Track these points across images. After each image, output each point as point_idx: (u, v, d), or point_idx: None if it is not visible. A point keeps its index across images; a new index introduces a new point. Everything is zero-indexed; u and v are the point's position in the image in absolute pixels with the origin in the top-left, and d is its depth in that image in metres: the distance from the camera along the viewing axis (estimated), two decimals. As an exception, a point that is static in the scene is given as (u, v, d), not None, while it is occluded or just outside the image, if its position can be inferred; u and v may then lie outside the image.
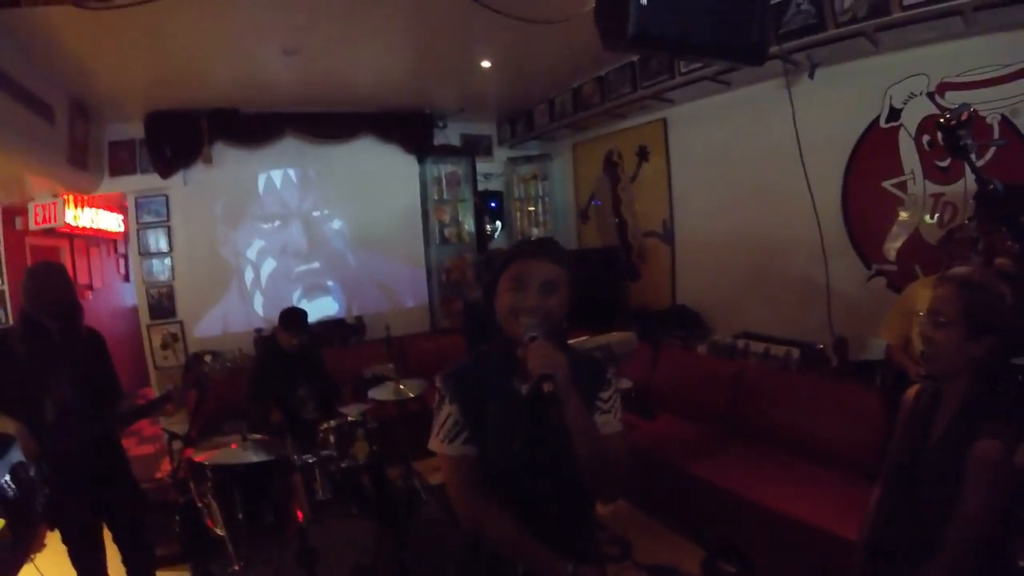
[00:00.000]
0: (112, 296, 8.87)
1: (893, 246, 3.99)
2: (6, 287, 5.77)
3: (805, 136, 4.00)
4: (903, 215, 3.92)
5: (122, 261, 9.48)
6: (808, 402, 3.96)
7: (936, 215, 3.74)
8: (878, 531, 1.89)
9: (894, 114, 3.88)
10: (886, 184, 3.97)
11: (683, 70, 4.76)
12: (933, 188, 3.75)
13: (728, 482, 3.64)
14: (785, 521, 3.20)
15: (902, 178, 3.89)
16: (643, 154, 6.04)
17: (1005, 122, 3.34)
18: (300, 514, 3.34)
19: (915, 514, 1.73)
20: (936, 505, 1.66)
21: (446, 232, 7.17)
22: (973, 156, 1.84)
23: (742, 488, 3.53)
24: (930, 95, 3.70)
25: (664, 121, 5.74)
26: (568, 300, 1.61)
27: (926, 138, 3.74)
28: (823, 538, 2.96)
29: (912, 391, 1.92)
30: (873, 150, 4.04)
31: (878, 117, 3.97)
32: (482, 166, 7.44)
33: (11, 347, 2.81)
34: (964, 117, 1.81)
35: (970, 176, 3.44)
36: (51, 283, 2.85)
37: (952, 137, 1.83)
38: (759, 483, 3.53)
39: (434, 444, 1.64)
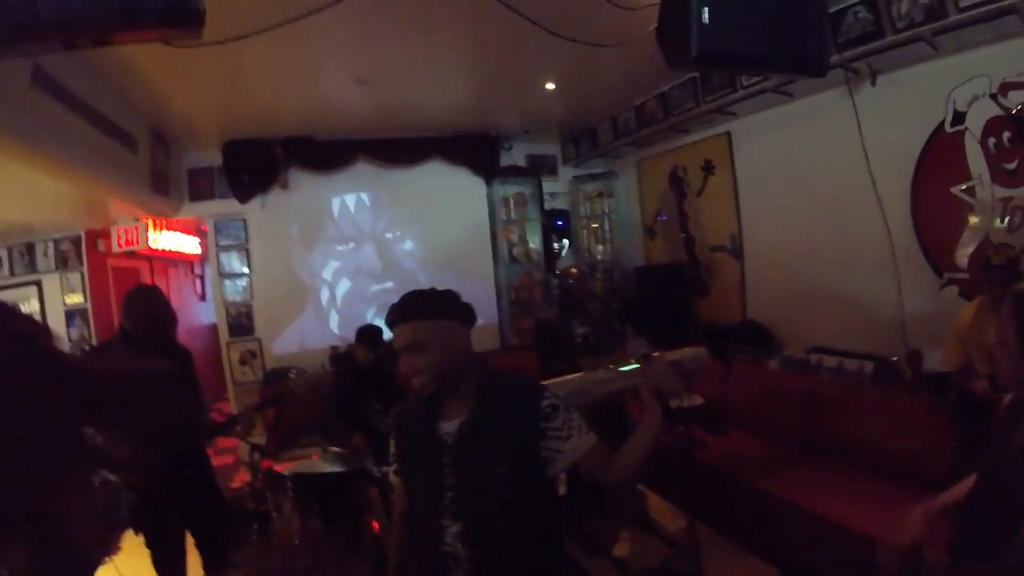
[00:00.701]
0: (189, 315, 9.21)
1: (965, 252, 3.84)
2: (89, 306, 6.09)
3: (870, 144, 3.92)
4: (973, 221, 3.78)
5: (198, 281, 9.86)
6: (882, 417, 3.82)
7: (1006, 219, 3.60)
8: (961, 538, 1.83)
9: (958, 117, 3.76)
10: (954, 190, 3.84)
11: (745, 83, 4.73)
12: (1001, 192, 3.61)
13: (801, 499, 3.52)
14: (859, 540, 3.07)
15: (970, 183, 3.76)
16: (708, 168, 5.99)
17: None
18: (376, 525, 3.39)
19: (994, 523, 1.67)
20: (1013, 515, 1.60)
21: (514, 251, 7.27)
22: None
23: (815, 505, 3.41)
24: (993, 96, 3.56)
25: (728, 134, 5.69)
26: (450, 342, 1.66)
27: (992, 140, 3.61)
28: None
29: (1007, 399, 1.86)
30: (940, 155, 3.90)
31: (943, 121, 3.84)
32: (548, 185, 7.51)
33: (105, 360, 2.97)
34: None
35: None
36: (150, 304, 2.99)
37: None
38: (833, 501, 3.40)
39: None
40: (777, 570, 3.53)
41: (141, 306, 2.96)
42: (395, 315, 1.69)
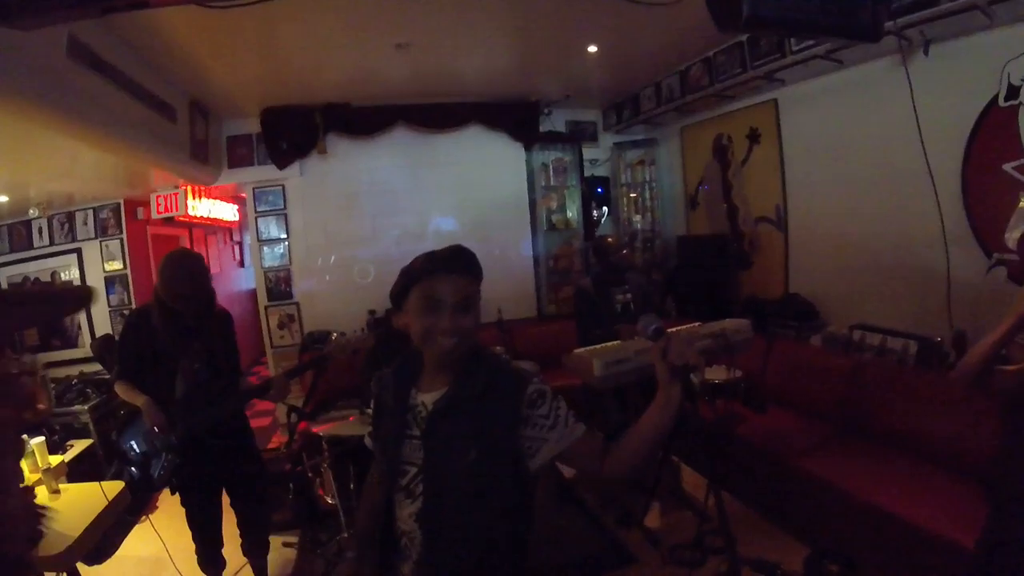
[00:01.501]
0: (228, 281, 9.38)
1: (1014, 235, 3.67)
2: (129, 272, 6.21)
3: (922, 117, 3.75)
4: (1023, 202, 3.61)
5: (237, 248, 10.02)
6: (924, 400, 3.70)
7: None
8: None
9: (1013, 92, 3.56)
10: (1007, 167, 3.64)
11: (794, 48, 4.55)
12: None
13: (838, 479, 3.45)
14: (895, 523, 3.01)
15: (1023, 160, 3.58)
16: (754, 137, 5.82)
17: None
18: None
19: None
20: None
21: (553, 219, 7.17)
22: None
23: (852, 486, 3.35)
24: None
25: (775, 102, 5.50)
26: (478, 315, 1.57)
27: None
28: (934, 542, 2.78)
29: None
30: (992, 131, 3.70)
31: (996, 95, 3.64)
32: (588, 152, 7.38)
33: (146, 324, 2.98)
34: None
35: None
36: (186, 271, 2.96)
37: None
38: (869, 482, 3.34)
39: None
40: (808, 548, 3.47)
41: (177, 271, 2.94)
42: (450, 263, 1.54)
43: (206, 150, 5.66)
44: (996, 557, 1.77)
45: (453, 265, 1.54)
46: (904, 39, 3.78)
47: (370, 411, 3.62)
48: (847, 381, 4.21)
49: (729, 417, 4.32)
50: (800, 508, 3.77)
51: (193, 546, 3.21)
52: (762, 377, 4.69)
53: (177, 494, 3.10)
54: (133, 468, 2.97)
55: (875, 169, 4.53)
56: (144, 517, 4.08)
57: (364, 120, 6.33)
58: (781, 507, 3.95)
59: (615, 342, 3.50)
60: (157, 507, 4.46)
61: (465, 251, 1.56)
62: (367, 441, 1.80)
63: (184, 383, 2.97)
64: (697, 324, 3.67)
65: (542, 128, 7.04)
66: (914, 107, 3.71)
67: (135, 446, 2.98)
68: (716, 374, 4.36)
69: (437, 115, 6.51)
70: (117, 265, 6.23)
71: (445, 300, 1.50)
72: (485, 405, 1.49)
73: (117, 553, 3.98)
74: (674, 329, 1.80)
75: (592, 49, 5.23)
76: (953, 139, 3.87)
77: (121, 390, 2.99)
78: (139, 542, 4.04)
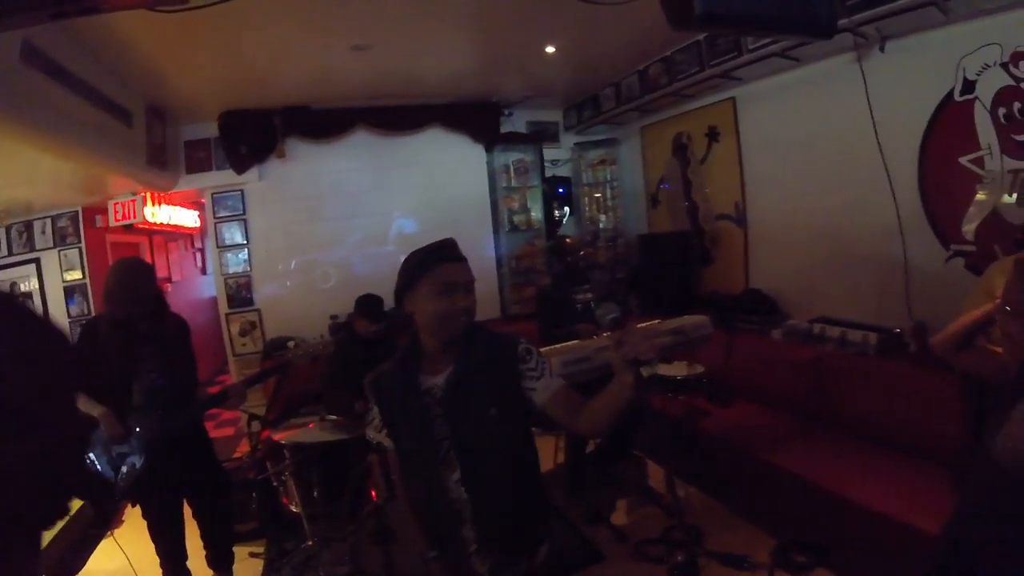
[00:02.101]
0: (190, 288, 9.23)
1: (971, 227, 3.76)
2: (88, 282, 6.08)
3: (878, 111, 3.83)
4: (981, 194, 3.68)
5: (199, 255, 9.86)
6: (886, 389, 3.76)
7: (1015, 193, 3.51)
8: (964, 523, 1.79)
9: (968, 86, 3.64)
10: (963, 160, 3.73)
11: (751, 47, 4.60)
12: (1011, 163, 3.50)
13: (802, 470, 3.50)
14: (861, 512, 3.06)
15: (979, 153, 3.65)
16: (713, 135, 5.89)
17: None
18: (375, 495, 3.38)
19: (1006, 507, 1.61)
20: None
21: (515, 219, 7.18)
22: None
23: (816, 477, 3.40)
24: (1004, 66, 3.45)
25: (733, 101, 5.57)
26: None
27: (1002, 111, 3.50)
28: (899, 530, 2.82)
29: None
30: (949, 125, 3.80)
31: (952, 90, 3.73)
32: (549, 152, 7.42)
33: (99, 335, 2.94)
34: None
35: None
36: (133, 279, 2.94)
37: None
38: (833, 471, 3.39)
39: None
40: (775, 539, 3.52)
41: (116, 280, 2.91)
42: (455, 251, 1.79)
43: (164, 155, 5.58)
44: (961, 542, 1.81)
45: (457, 253, 1.79)
46: (860, 36, 3.85)
47: (332, 417, 3.61)
48: (809, 373, 4.26)
49: (692, 412, 4.36)
50: (766, 500, 3.81)
51: (159, 562, 3.17)
52: (725, 371, 4.75)
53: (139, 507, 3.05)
54: (90, 481, 2.92)
55: (833, 165, 4.61)
56: (109, 532, 4.00)
57: (324, 123, 6.28)
58: (747, 500, 3.99)
59: (575, 341, 3.51)
60: (123, 521, 4.38)
61: (453, 240, 1.79)
62: (375, 437, 1.90)
63: (141, 392, 2.93)
64: (657, 321, 3.69)
65: (503, 129, 7.06)
66: (868, 103, 3.78)
67: (95, 458, 2.93)
68: (677, 370, 4.40)
69: (397, 117, 6.50)
70: (76, 275, 6.10)
71: (459, 283, 1.73)
72: (489, 368, 1.73)
73: (85, 568, 3.91)
74: (638, 326, 1.86)
75: (550, 49, 5.25)
76: (910, 133, 3.95)
77: (80, 402, 2.93)
78: (105, 557, 3.96)
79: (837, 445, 3.77)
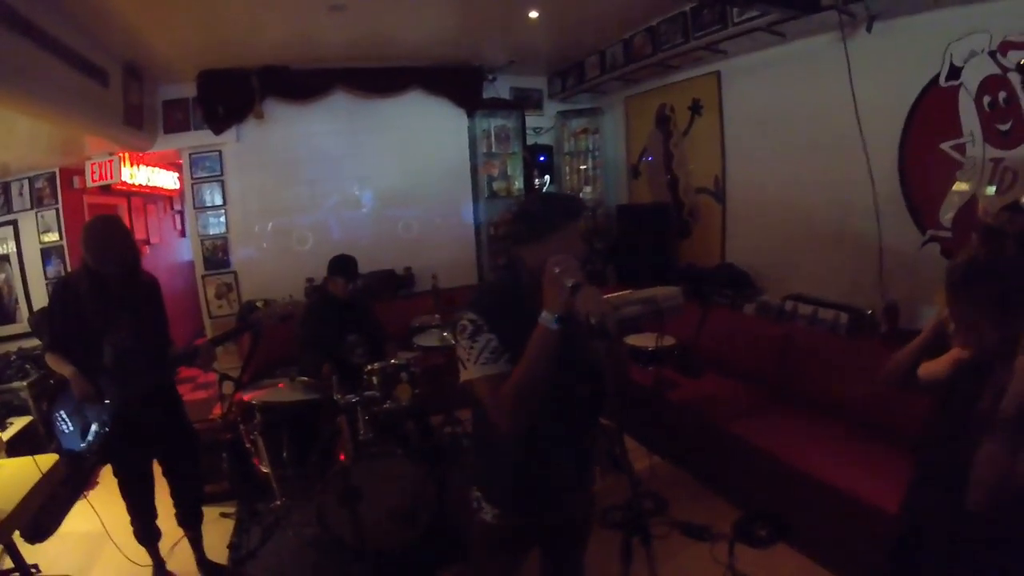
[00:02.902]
0: (169, 251, 9.13)
1: (949, 215, 3.78)
2: (65, 243, 6.01)
3: (862, 93, 3.82)
4: (960, 183, 3.70)
5: (178, 217, 9.74)
6: (854, 369, 3.82)
7: (995, 185, 3.52)
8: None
9: (954, 72, 3.64)
10: (944, 146, 3.74)
11: (736, 20, 4.56)
12: (993, 152, 3.52)
13: (768, 444, 3.57)
14: (822, 487, 3.13)
15: (960, 140, 3.66)
16: (696, 108, 5.87)
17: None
18: (343, 456, 3.40)
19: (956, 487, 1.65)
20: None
21: (495, 186, 7.15)
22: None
23: (781, 451, 3.47)
24: (991, 54, 3.44)
25: (718, 74, 5.55)
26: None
27: (987, 99, 3.50)
28: (859, 507, 2.89)
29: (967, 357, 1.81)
30: (932, 110, 3.80)
31: (938, 75, 3.73)
32: (532, 120, 7.36)
33: (73, 293, 2.91)
34: None
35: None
36: (109, 236, 2.91)
37: None
38: (799, 447, 3.46)
39: (472, 371, 1.75)
40: (739, 511, 3.58)
41: (98, 237, 2.88)
42: (582, 206, 1.90)
43: (141, 115, 5.49)
44: (913, 523, 1.86)
45: (581, 208, 1.88)
46: (848, 14, 3.83)
47: (303, 378, 3.62)
48: (779, 348, 4.33)
49: (661, 382, 4.40)
50: (731, 472, 3.89)
51: (129, 521, 3.19)
52: (696, 344, 4.79)
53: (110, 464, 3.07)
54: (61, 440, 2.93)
55: (814, 144, 4.61)
56: (84, 494, 4.02)
57: (302, 84, 6.19)
58: (713, 471, 4.06)
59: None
60: (98, 483, 4.39)
61: (575, 196, 1.80)
62: (490, 368, 1.74)
63: (112, 351, 2.91)
64: (628, 291, 3.71)
65: (486, 94, 6.99)
66: (851, 83, 3.76)
67: (65, 417, 2.93)
68: (647, 340, 4.43)
69: (377, 79, 6.42)
70: (53, 236, 6.01)
71: (577, 238, 1.80)
72: None
73: (59, 530, 3.94)
74: (609, 296, 1.88)
75: (533, 14, 5.18)
76: (892, 116, 3.95)
77: (51, 361, 2.94)
78: (80, 519, 3.98)
79: (803, 421, 3.84)
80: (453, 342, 4.24)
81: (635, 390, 4.41)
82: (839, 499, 3.01)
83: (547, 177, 7.43)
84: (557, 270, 1.61)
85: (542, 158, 7.39)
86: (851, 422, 3.68)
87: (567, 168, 7.57)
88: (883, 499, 2.74)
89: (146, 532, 3.23)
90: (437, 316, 4.91)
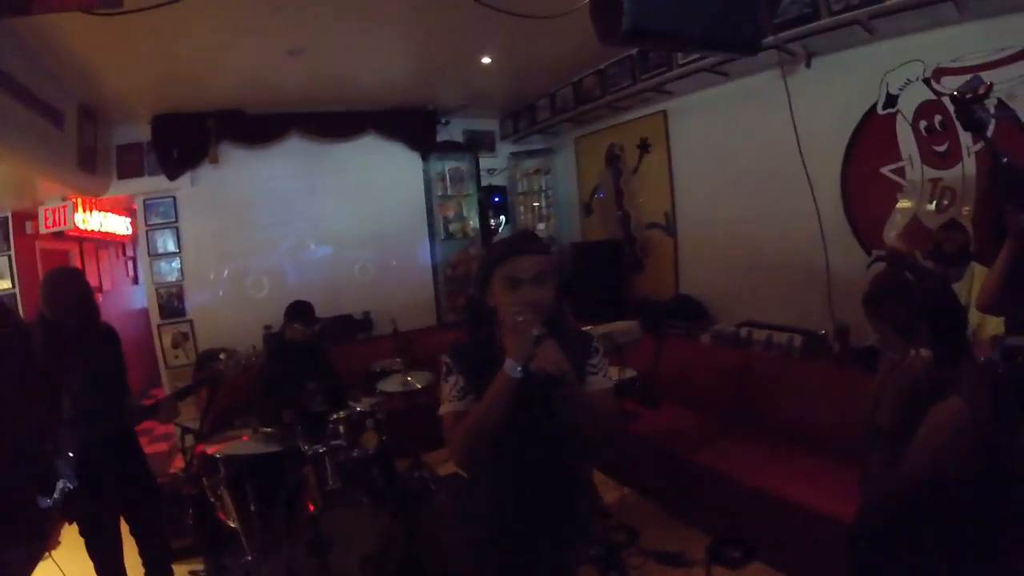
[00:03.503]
0: (121, 298, 8.96)
1: (893, 234, 3.98)
2: (17, 290, 5.88)
3: (803, 125, 3.98)
4: (903, 202, 3.91)
5: (130, 264, 9.59)
6: (810, 389, 3.95)
7: (935, 201, 3.74)
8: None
9: (891, 100, 3.88)
10: (884, 170, 3.96)
11: (681, 62, 4.76)
12: (931, 173, 3.74)
13: (731, 470, 3.65)
14: (787, 507, 3.21)
15: (900, 164, 3.88)
16: (644, 147, 6.06)
17: (1002, 106, 3.31)
18: (311, 506, 3.40)
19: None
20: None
21: (451, 227, 7.23)
22: (989, 130, 1.88)
23: (745, 475, 3.55)
24: (926, 81, 3.69)
25: (664, 113, 5.75)
26: (555, 286, 1.79)
27: (923, 123, 3.73)
28: (824, 523, 2.96)
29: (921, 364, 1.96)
30: (871, 137, 4.03)
31: (875, 104, 3.96)
32: (485, 161, 7.48)
33: (29, 344, 2.88)
34: (981, 91, 1.83)
35: (968, 160, 3.50)
36: (68, 288, 2.91)
37: (967, 111, 1.86)
38: (762, 470, 3.54)
39: (444, 407, 1.81)
40: (709, 536, 3.66)
41: (56, 289, 2.88)
42: (523, 244, 1.80)
43: (95, 159, 5.41)
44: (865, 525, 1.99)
45: (527, 246, 1.79)
46: (787, 52, 4.02)
47: (266, 429, 3.61)
48: (737, 375, 4.44)
49: (622, 415, 4.48)
50: (697, 499, 3.95)
51: None
52: (654, 375, 4.89)
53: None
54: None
55: (760, 175, 4.81)
56: (47, 553, 3.89)
57: (258, 128, 6.22)
58: (679, 499, 4.12)
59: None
60: (60, 542, 4.25)
61: (531, 234, 1.86)
62: (451, 407, 1.79)
63: (70, 402, 2.88)
64: (588, 327, 3.81)
65: (440, 137, 7.11)
66: (792, 116, 3.95)
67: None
68: (611, 374, 4.50)
69: (333, 123, 6.49)
70: (5, 284, 5.92)
71: (525, 276, 1.73)
72: (568, 356, 1.66)
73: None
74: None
75: (486, 60, 5.34)
76: (834, 145, 4.17)
77: None
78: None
79: (764, 444, 3.93)
80: (417, 386, 4.28)
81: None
82: (803, 516, 3.10)
83: (503, 217, 7.56)
84: (520, 319, 1.65)
85: (496, 198, 7.52)
86: (809, 442, 3.77)
87: (521, 208, 7.70)
88: (840, 509, 2.81)
89: None
90: (398, 360, 4.93)
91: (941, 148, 3.67)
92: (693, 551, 3.55)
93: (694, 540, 3.69)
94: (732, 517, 3.63)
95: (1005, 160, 1.87)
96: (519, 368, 1.63)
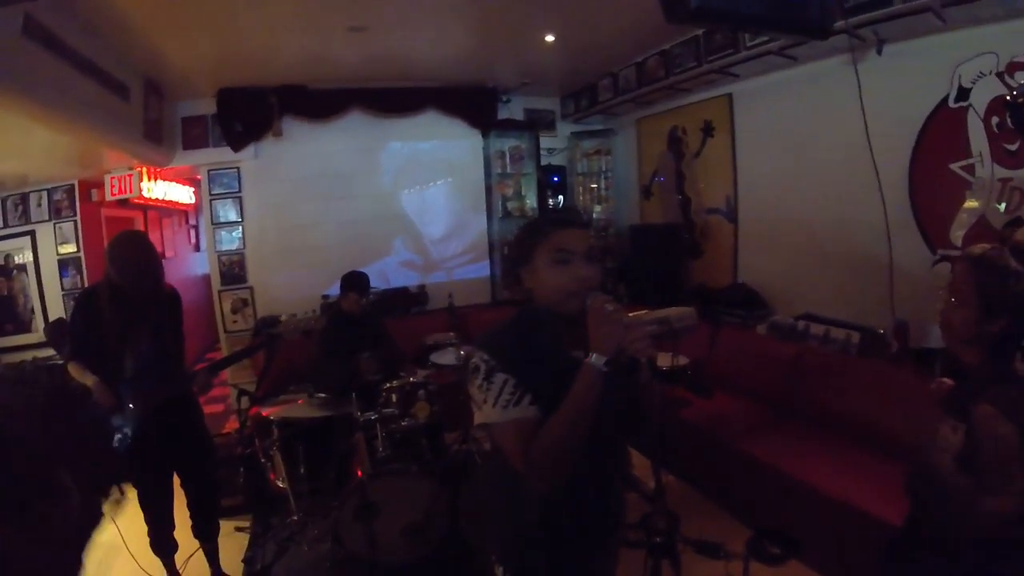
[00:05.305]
0: (183, 265, 9.22)
1: (959, 233, 3.82)
2: (83, 255, 6.10)
3: (872, 114, 3.85)
4: (970, 201, 3.74)
5: (192, 232, 9.86)
6: (865, 388, 3.84)
7: (1004, 203, 3.56)
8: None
9: (963, 94, 3.69)
10: (953, 167, 3.79)
11: (748, 44, 4.64)
12: (1001, 172, 3.56)
13: (779, 463, 3.58)
14: (834, 505, 3.14)
15: (970, 161, 3.71)
16: (708, 130, 5.93)
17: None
18: (360, 472, 3.43)
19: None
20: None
21: (509, 206, 7.20)
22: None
23: (793, 469, 3.48)
24: (999, 75, 3.49)
25: (729, 96, 5.61)
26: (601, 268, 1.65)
27: (995, 119, 3.54)
28: (870, 523, 2.89)
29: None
30: (941, 130, 3.85)
31: (947, 96, 3.78)
32: (545, 141, 7.43)
33: (95, 305, 2.97)
34: None
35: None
36: (135, 252, 2.98)
37: (1019, 114, 1.77)
38: (810, 465, 3.46)
39: (489, 414, 1.55)
40: (750, 530, 3.59)
41: (125, 252, 2.95)
42: (572, 215, 1.67)
43: (160, 131, 5.58)
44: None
45: (575, 217, 1.66)
46: (857, 38, 3.86)
47: (321, 394, 3.65)
48: (791, 368, 4.33)
49: (673, 401, 4.42)
50: (742, 490, 3.89)
51: (146, 531, 3.21)
52: (708, 363, 4.81)
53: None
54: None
55: (825, 163, 4.66)
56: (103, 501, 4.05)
57: (319, 103, 6.29)
58: (724, 489, 4.06)
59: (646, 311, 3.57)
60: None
61: (576, 207, 1.68)
62: (511, 413, 1.53)
63: (133, 363, 2.97)
64: (644, 311, 3.75)
65: (500, 115, 7.08)
66: (862, 105, 3.81)
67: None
68: (661, 360, 4.44)
69: (393, 99, 6.51)
70: (71, 248, 6.14)
71: (575, 251, 1.57)
72: None
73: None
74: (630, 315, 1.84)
75: (549, 38, 5.27)
76: (902, 137, 4.00)
77: (73, 370, 2.98)
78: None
79: (814, 440, 3.84)
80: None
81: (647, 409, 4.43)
82: (850, 515, 3.02)
83: (560, 197, 7.49)
84: (609, 307, 1.48)
85: (555, 178, 7.45)
86: (861, 440, 3.67)
87: (579, 188, 7.63)
88: (890, 512, 2.72)
89: (162, 543, 3.25)
90: (452, 334, 4.95)
91: (1012, 147, 3.49)
92: (732, 543, 3.49)
93: (734, 531, 3.64)
94: (774, 511, 3.58)
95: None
96: (605, 360, 1.46)
